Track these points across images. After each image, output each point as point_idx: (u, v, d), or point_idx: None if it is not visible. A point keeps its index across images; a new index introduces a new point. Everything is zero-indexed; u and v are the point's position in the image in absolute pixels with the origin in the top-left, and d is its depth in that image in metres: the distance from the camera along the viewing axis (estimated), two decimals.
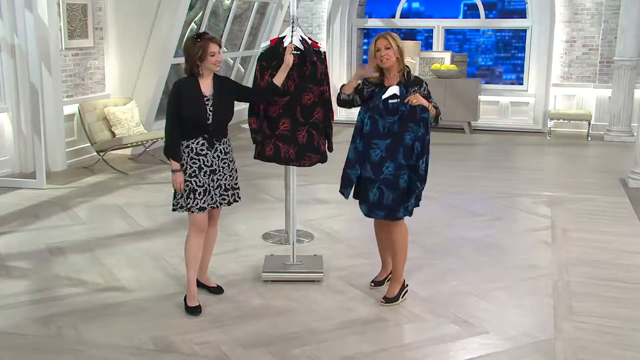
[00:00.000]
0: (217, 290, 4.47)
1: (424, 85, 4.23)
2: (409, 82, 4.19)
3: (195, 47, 3.99)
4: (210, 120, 4.06)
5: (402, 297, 4.37)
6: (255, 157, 4.90)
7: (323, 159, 4.84)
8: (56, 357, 3.64)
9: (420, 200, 4.28)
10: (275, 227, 5.85)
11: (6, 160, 7.76)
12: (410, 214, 4.26)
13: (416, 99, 4.07)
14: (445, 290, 4.56)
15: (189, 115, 4.00)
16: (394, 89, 4.12)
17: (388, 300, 4.35)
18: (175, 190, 4.13)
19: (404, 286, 4.39)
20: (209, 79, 4.10)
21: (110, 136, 8.33)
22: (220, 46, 4.06)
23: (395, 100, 4.11)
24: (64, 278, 4.73)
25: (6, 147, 7.77)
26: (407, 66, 4.25)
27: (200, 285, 4.40)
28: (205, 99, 4.05)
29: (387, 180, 4.16)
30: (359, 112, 4.26)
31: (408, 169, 4.14)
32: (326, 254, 5.18)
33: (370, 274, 4.76)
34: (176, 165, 4.06)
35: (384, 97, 4.13)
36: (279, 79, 4.38)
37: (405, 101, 4.08)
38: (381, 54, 4.14)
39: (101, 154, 8.15)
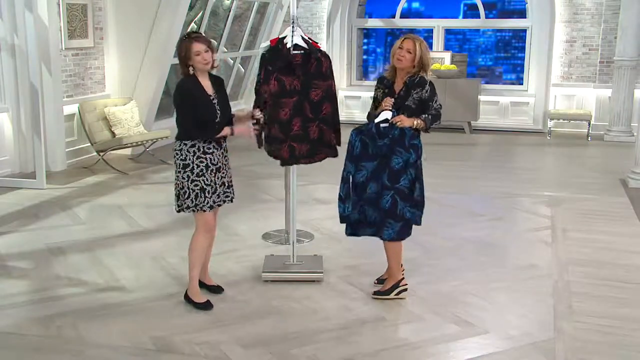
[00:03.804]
0: (217, 289, 4.47)
1: (427, 87, 4.23)
2: (412, 85, 4.21)
3: (181, 46, 4.02)
4: (219, 119, 4.09)
5: (396, 294, 4.38)
6: (270, 155, 4.73)
7: (334, 153, 4.80)
8: (56, 357, 3.64)
9: (416, 224, 4.30)
10: (275, 227, 5.85)
11: (6, 160, 7.76)
12: (397, 237, 4.28)
13: (400, 121, 4.13)
14: (445, 290, 4.56)
15: (202, 115, 4.02)
16: (386, 114, 4.17)
17: (377, 293, 4.41)
18: (236, 134, 4.16)
19: (397, 284, 4.40)
20: (206, 79, 4.12)
21: (110, 136, 8.33)
22: (208, 45, 4.02)
23: (387, 125, 4.17)
24: (64, 278, 4.73)
25: (6, 147, 7.77)
26: (422, 71, 4.25)
27: (200, 284, 4.39)
28: (211, 98, 4.07)
29: (369, 200, 4.25)
30: (351, 133, 4.30)
31: (393, 191, 4.18)
32: (326, 254, 5.18)
33: (370, 274, 4.76)
34: (227, 130, 4.10)
35: (376, 121, 4.18)
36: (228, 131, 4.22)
37: (390, 121, 4.14)
38: (400, 52, 4.19)
39: (101, 154, 8.16)
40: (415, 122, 4.16)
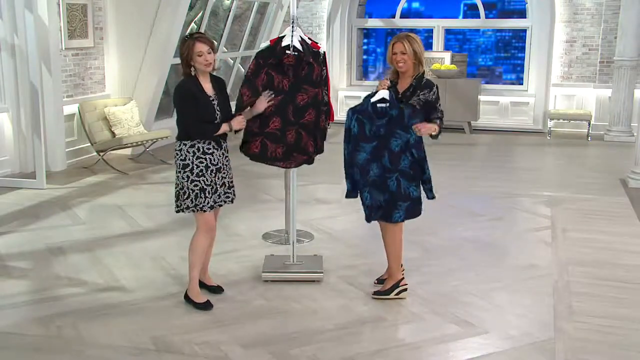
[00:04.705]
0: (217, 289, 4.47)
1: (434, 89, 4.23)
2: (419, 86, 4.20)
3: (184, 46, 4.02)
4: (218, 120, 4.09)
5: (396, 294, 4.38)
6: (241, 151, 4.74)
7: (310, 161, 4.76)
8: (56, 357, 3.64)
9: (430, 198, 4.31)
10: (275, 227, 5.84)
11: (6, 160, 7.76)
12: (406, 217, 4.28)
13: (423, 129, 4.10)
14: (445, 290, 4.56)
15: (201, 115, 4.02)
16: (383, 93, 4.14)
17: (377, 293, 4.40)
18: (235, 128, 4.19)
19: (397, 284, 4.40)
20: (207, 80, 4.12)
21: (110, 136, 8.33)
22: (210, 46, 4.03)
23: (383, 104, 4.14)
24: (64, 278, 4.73)
25: (6, 147, 7.77)
26: (423, 69, 4.26)
27: (200, 284, 4.39)
28: (211, 99, 4.08)
29: (374, 182, 4.23)
30: (347, 112, 4.28)
31: (397, 173, 4.18)
32: (326, 254, 5.17)
33: (370, 273, 4.76)
34: (226, 127, 4.12)
35: (372, 100, 4.15)
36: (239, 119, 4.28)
37: (412, 128, 4.09)
38: (397, 58, 4.18)
39: (101, 154, 8.16)
40: (435, 128, 4.14)
